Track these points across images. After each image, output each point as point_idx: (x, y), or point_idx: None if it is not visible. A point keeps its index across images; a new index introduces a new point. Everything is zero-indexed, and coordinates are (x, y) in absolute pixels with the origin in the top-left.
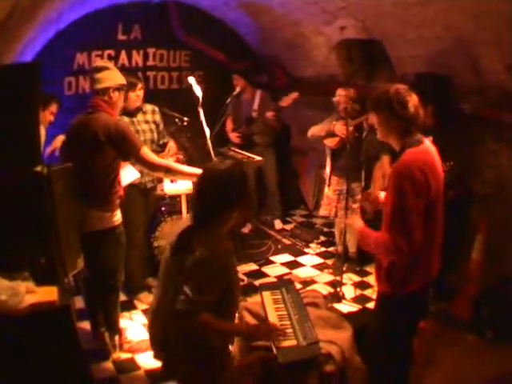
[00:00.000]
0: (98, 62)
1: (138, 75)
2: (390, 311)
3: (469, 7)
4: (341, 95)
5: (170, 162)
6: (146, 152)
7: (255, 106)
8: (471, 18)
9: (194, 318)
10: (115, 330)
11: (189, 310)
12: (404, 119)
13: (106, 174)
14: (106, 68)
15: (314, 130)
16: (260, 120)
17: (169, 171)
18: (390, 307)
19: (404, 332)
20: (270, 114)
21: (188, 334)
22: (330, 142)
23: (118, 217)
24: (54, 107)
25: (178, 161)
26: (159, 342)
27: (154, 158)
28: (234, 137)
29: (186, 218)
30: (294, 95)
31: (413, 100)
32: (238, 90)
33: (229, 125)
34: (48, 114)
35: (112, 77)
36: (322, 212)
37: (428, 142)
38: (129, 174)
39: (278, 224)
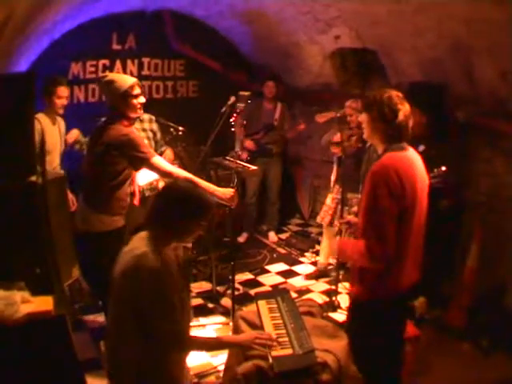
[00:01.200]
0: (104, 77)
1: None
2: (361, 316)
3: (462, 15)
4: (351, 107)
5: (180, 170)
6: (158, 160)
7: (277, 115)
8: (465, 25)
9: (180, 346)
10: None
11: (169, 341)
12: (391, 125)
13: (110, 178)
14: (111, 82)
15: (326, 138)
16: (279, 130)
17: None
18: (361, 312)
19: (380, 338)
20: (301, 127)
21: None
22: (336, 149)
23: (118, 221)
24: (60, 90)
25: None
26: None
27: (166, 165)
28: (250, 144)
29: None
30: (331, 114)
31: (404, 109)
32: (232, 99)
33: (239, 131)
34: (56, 99)
35: (117, 87)
36: (319, 219)
37: (412, 151)
38: (146, 173)
39: (272, 237)
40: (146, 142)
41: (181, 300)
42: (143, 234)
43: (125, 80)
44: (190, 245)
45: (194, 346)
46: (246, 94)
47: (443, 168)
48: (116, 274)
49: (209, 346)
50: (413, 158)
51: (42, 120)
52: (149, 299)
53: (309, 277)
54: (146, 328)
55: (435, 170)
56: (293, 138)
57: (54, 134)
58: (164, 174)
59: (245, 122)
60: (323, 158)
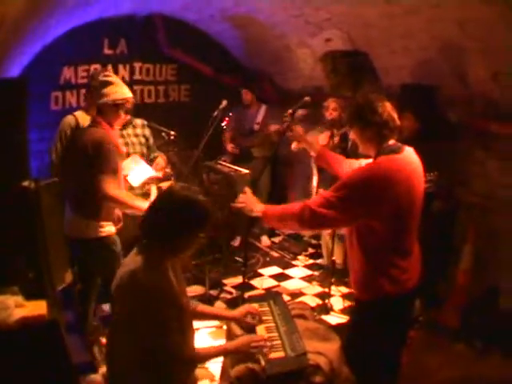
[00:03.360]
0: (103, 76)
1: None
2: (365, 317)
3: (454, 16)
4: (330, 104)
5: (124, 198)
6: (108, 180)
7: (258, 119)
8: (456, 26)
9: (180, 363)
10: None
11: (167, 359)
12: (377, 125)
13: (92, 182)
14: (110, 83)
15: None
16: (261, 134)
17: (116, 205)
18: (366, 312)
19: (380, 340)
20: (273, 127)
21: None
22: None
23: (108, 228)
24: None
25: (165, 175)
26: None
27: (111, 189)
28: (230, 147)
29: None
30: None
31: (384, 106)
32: (224, 103)
33: (227, 135)
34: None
35: (113, 92)
36: None
37: (410, 151)
38: (141, 172)
39: (265, 241)
40: (137, 147)
41: (182, 314)
42: (139, 248)
43: (123, 90)
44: None
45: (195, 361)
46: (224, 104)
47: (435, 173)
48: (113, 288)
49: (209, 358)
50: (410, 160)
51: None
52: (143, 317)
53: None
54: (144, 346)
55: (427, 175)
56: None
57: None
58: (106, 195)
59: (231, 135)
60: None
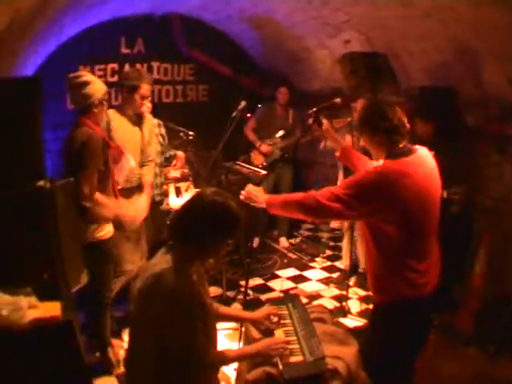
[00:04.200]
0: (79, 77)
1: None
2: (379, 320)
3: (470, 18)
4: (359, 105)
5: (103, 201)
6: (92, 180)
7: (290, 120)
8: (472, 29)
9: (202, 368)
10: (105, 343)
11: (189, 363)
12: (386, 131)
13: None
14: (88, 83)
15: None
16: (292, 136)
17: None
18: (380, 317)
19: (398, 344)
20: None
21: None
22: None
23: (105, 231)
24: (143, 89)
25: (183, 175)
26: None
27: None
28: (266, 148)
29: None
30: (346, 121)
31: (394, 111)
32: (243, 104)
33: (252, 135)
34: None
35: (94, 91)
36: (333, 224)
37: (422, 153)
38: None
39: (283, 242)
40: (158, 146)
41: (206, 316)
42: (165, 249)
43: (101, 84)
44: None
45: (218, 363)
46: (243, 105)
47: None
48: (135, 290)
49: (232, 360)
50: (420, 161)
51: (112, 117)
52: (166, 320)
53: (336, 280)
54: (166, 348)
55: (453, 189)
56: (307, 141)
57: (127, 132)
58: (85, 195)
59: (255, 126)
60: (332, 162)
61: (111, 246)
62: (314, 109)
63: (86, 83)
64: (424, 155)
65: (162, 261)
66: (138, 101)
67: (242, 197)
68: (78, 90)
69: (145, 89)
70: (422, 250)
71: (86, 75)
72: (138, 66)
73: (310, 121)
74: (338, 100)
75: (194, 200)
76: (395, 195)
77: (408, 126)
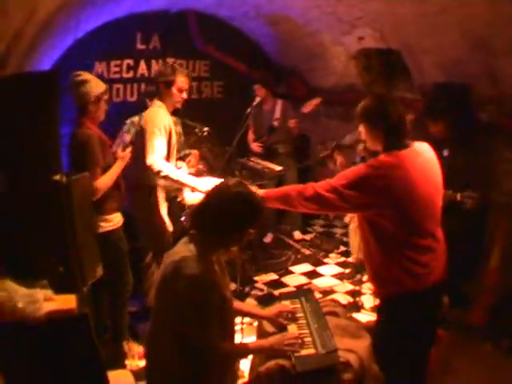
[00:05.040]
0: (77, 76)
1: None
2: (386, 314)
3: (484, 14)
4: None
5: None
6: (96, 177)
7: (277, 115)
8: (487, 25)
9: (214, 353)
10: (121, 336)
11: (205, 351)
12: (384, 129)
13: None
14: (85, 81)
15: (351, 137)
16: (282, 129)
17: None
18: (385, 310)
19: (407, 337)
20: (292, 122)
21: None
22: (361, 150)
23: (113, 222)
24: (179, 81)
25: (198, 171)
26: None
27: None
28: (255, 146)
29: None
30: (316, 101)
31: (395, 110)
32: (257, 100)
33: (250, 135)
34: (175, 91)
35: (89, 90)
36: (346, 219)
37: (419, 147)
38: None
39: (297, 235)
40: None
41: (224, 307)
42: (187, 239)
43: (99, 83)
44: None
45: (233, 354)
46: (257, 101)
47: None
48: (157, 277)
49: (246, 353)
50: (416, 153)
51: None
52: (186, 308)
53: (347, 276)
54: (184, 335)
55: (466, 192)
56: (309, 112)
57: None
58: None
59: (253, 127)
60: (350, 159)
61: (120, 237)
62: (333, 144)
63: (83, 82)
64: (422, 149)
65: (184, 249)
66: (176, 95)
67: None
68: (76, 89)
69: (181, 81)
70: (421, 242)
71: (83, 74)
72: (154, 62)
73: (324, 154)
74: (360, 145)
75: (218, 190)
76: (386, 186)
77: (408, 127)
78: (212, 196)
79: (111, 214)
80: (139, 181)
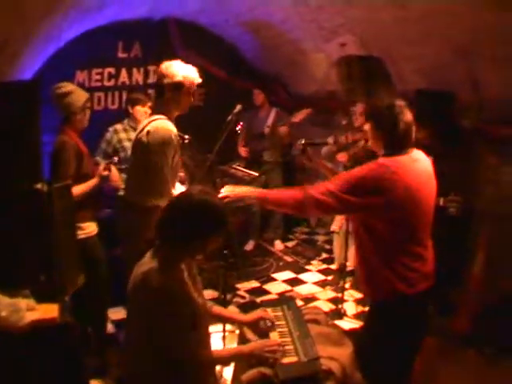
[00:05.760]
0: (60, 88)
1: (147, 93)
2: (374, 319)
3: (466, 21)
4: (359, 109)
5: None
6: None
7: (269, 122)
8: (468, 32)
9: (192, 361)
10: (103, 345)
11: (180, 361)
12: (391, 134)
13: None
14: (69, 93)
15: (328, 148)
16: (271, 137)
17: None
18: (373, 315)
19: (392, 344)
20: (283, 129)
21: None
22: (342, 157)
23: (86, 230)
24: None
25: (179, 179)
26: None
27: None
28: (243, 151)
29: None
30: (307, 111)
31: (405, 117)
32: (238, 107)
33: (240, 139)
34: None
35: (74, 101)
36: (333, 227)
37: (417, 154)
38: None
39: (278, 244)
40: None
41: (196, 315)
42: (155, 249)
43: (81, 92)
44: None
45: (210, 362)
46: (238, 109)
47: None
48: (128, 289)
49: (224, 360)
50: (413, 159)
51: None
52: (155, 319)
53: (331, 282)
54: (159, 348)
55: (450, 197)
56: (300, 122)
57: None
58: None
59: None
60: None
61: (95, 246)
62: (303, 141)
63: (66, 94)
64: (419, 157)
65: (150, 260)
66: (186, 99)
67: (227, 199)
68: (60, 101)
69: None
70: (415, 249)
71: (65, 85)
72: (135, 70)
73: (297, 151)
74: (330, 141)
75: (181, 198)
76: (381, 190)
77: (413, 137)
78: (174, 205)
79: (84, 223)
80: (142, 203)
